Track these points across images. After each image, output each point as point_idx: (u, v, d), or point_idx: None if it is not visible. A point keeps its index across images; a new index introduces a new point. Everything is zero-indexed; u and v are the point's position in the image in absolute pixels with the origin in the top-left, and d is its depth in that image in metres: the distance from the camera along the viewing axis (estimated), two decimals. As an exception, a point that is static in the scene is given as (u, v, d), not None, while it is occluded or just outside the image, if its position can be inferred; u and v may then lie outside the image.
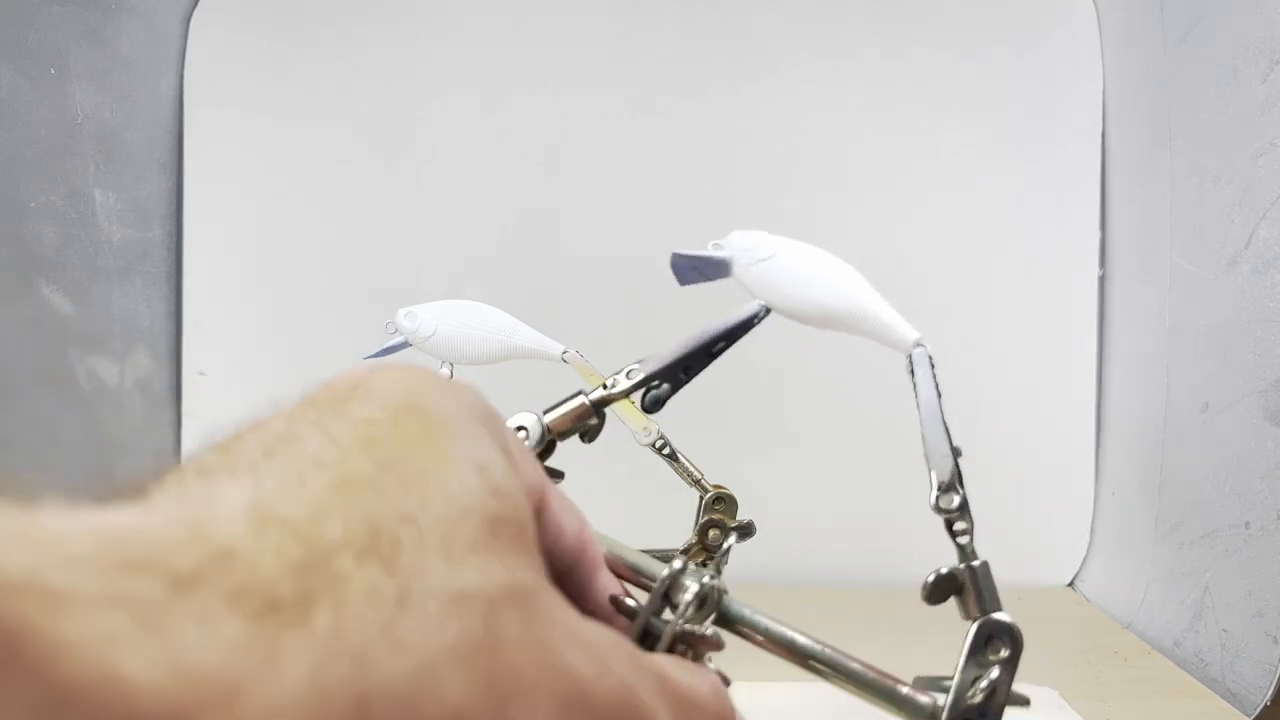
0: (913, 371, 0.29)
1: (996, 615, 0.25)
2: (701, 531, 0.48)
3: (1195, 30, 0.67)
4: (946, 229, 0.80)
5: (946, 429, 0.28)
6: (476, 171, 0.82)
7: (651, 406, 0.33)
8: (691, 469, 0.49)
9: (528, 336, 0.49)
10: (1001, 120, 0.79)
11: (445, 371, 0.54)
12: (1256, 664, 0.58)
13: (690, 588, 0.24)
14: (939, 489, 0.28)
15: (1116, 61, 0.78)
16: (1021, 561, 0.80)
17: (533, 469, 0.22)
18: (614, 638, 0.19)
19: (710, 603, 0.24)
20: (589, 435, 0.33)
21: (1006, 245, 0.80)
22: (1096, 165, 0.79)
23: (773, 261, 0.32)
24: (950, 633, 0.75)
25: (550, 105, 0.82)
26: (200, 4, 0.83)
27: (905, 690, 0.24)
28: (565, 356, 0.49)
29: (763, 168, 0.81)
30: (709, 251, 0.33)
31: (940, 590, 0.26)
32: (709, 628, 0.24)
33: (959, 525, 0.28)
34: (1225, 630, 0.61)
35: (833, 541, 0.80)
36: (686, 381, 0.33)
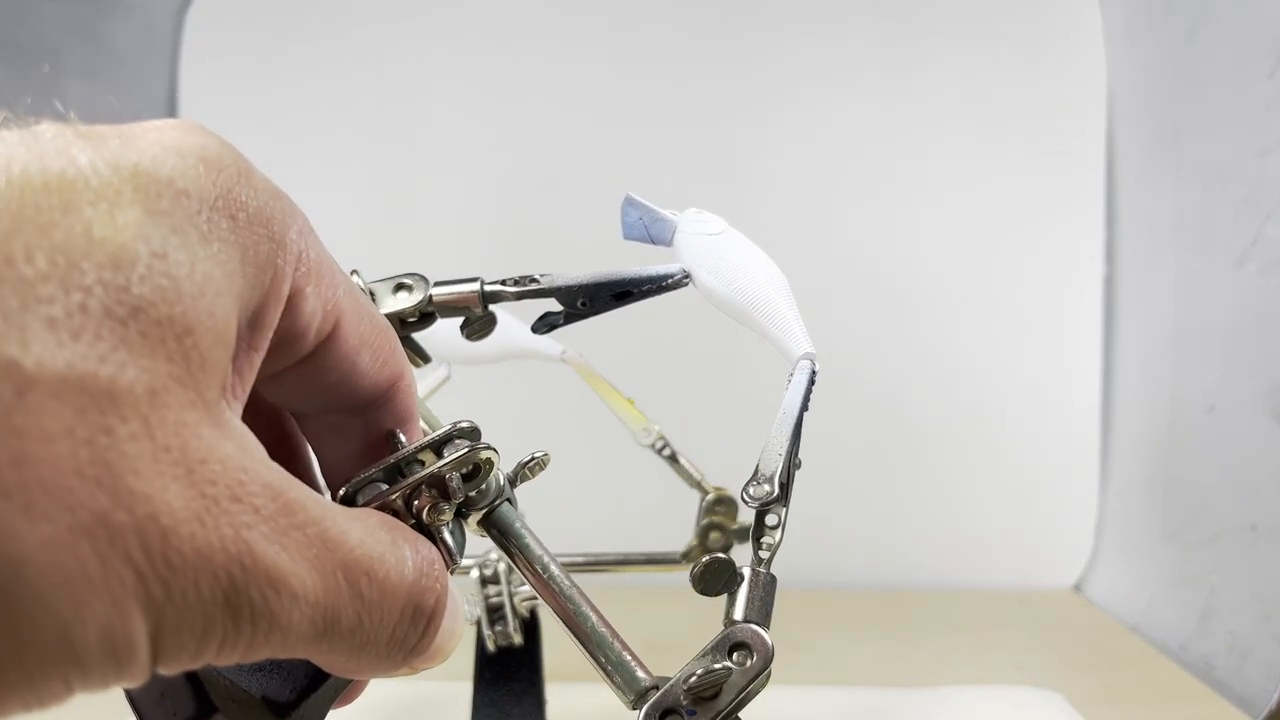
0: (790, 377, 0.28)
1: (760, 629, 0.22)
2: (702, 534, 0.47)
3: (1201, 27, 0.67)
4: (949, 228, 0.79)
5: (795, 438, 0.26)
6: (475, 169, 0.81)
7: (539, 328, 0.31)
8: (692, 471, 0.49)
9: (527, 336, 0.48)
10: (1005, 118, 0.79)
11: (443, 371, 0.54)
12: (1264, 667, 0.58)
13: (461, 445, 0.22)
14: (754, 477, 0.25)
15: (1121, 59, 0.77)
16: (1026, 564, 0.79)
17: (311, 291, 0.19)
18: (267, 482, 0.16)
19: (482, 476, 0.22)
20: (475, 329, 0.30)
21: (1010, 244, 0.79)
22: (1101, 163, 0.78)
23: (717, 239, 0.32)
24: (953, 636, 0.75)
25: (550, 104, 0.81)
26: (195, 0, 0.82)
27: (631, 661, 0.22)
28: (564, 356, 0.48)
29: (764, 165, 0.80)
30: (662, 209, 0.33)
31: (713, 577, 0.23)
32: (471, 500, 0.22)
33: (770, 520, 0.25)
34: (1232, 633, 0.61)
35: (835, 544, 0.80)
36: (583, 316, 0.31)
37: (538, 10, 0.81)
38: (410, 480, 0.21)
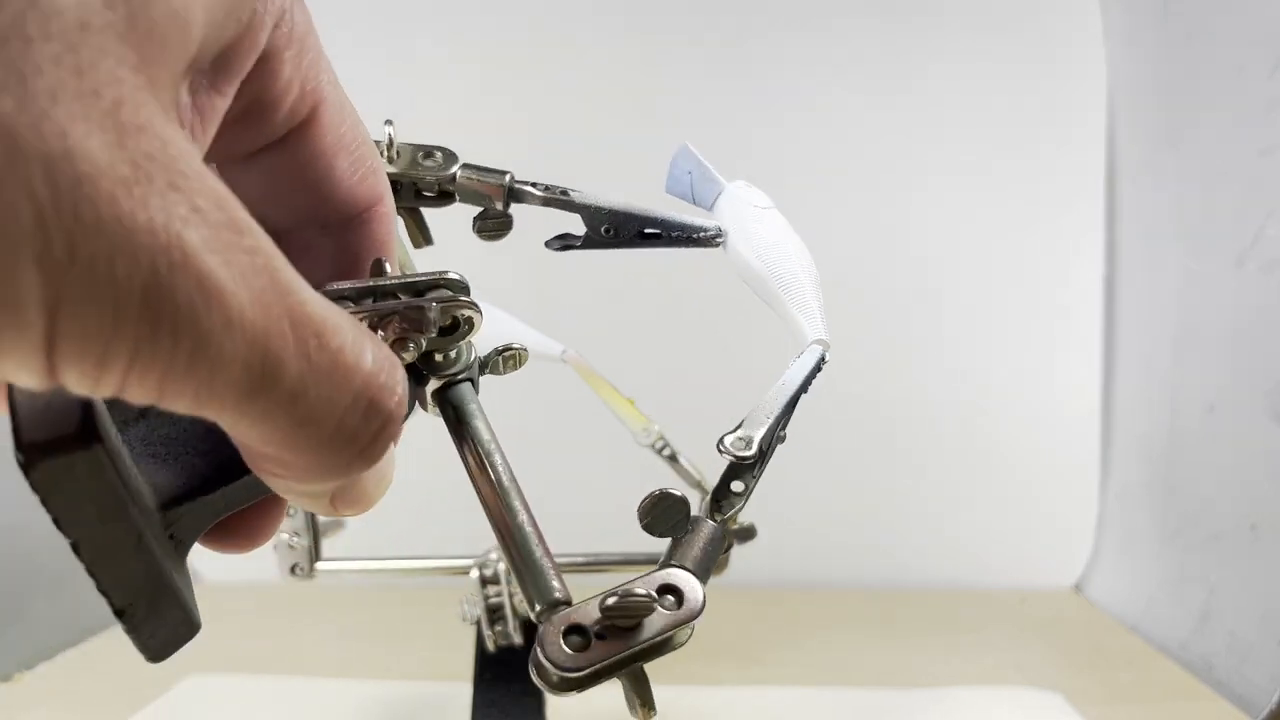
0: (799, 355, 0.27)
1: (697, 580, 0.20)
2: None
3: (1201, 27, 0.67)
4: (950, 229, 0.79)
5: (787, 411, 0.25)
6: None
7: (552, 244, 0.30)
8: (692, 471, 0.49)
9: (526, 336, 0.48)
10: (1005, 118, 0.79)
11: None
12: (1264, 667, 0.58)
13: (443, 293, 0.20)
14: (737, 429, 0.23)
15: (1122, 58, 0.77)
16: (1026, 564, 0.79)
17: (290, 57, 0.18)
18: (216, 190, 0.14)
19: (460, 333, 0.21)
20: (489, 227, 0.29)
21: (1011, 244, 0.79)
22: (1101, 163, 0.78)
23: (763, 212, 0.32)
24: (953, 636, 0.74)
25: (550, 101, 0.81)
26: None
27: (550, 570, 0.20)
28: (565, 356, 0.48)
29: (763, 165, 0.80)
30: (715, 172, 0.32)
31: (662, 515, 0.21)
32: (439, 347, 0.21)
33: (736, 486, 0.23)
34: (1232, 633, 0.61)
35: (835, 544, 0.80)
36: (604, 245, 0.29)
37: (540, 11, 0.81)
38: (389, 304, 0.19)
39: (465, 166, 0.28)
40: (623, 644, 0.19)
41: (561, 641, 0.18)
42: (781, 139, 0.80)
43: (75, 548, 0.16)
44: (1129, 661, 0.65)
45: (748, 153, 0.80)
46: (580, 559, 0.48)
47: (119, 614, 0.17)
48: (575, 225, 0.30)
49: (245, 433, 0.15)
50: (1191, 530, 0.67)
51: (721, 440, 0.23)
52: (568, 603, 0.19)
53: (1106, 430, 0.79)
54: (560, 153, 0.81)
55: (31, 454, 0.15)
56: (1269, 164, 0.59)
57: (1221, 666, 0.61)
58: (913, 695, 0.56)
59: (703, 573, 0.21)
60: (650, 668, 0.20)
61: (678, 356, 0.79)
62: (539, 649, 0.18)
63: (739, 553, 0.48)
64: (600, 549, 0.48)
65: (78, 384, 0.13)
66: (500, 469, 0.21)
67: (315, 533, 0.48)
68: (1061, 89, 0.79)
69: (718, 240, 0.30)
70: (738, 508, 0.23)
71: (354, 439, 0.17)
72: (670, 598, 0.20)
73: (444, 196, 0.28)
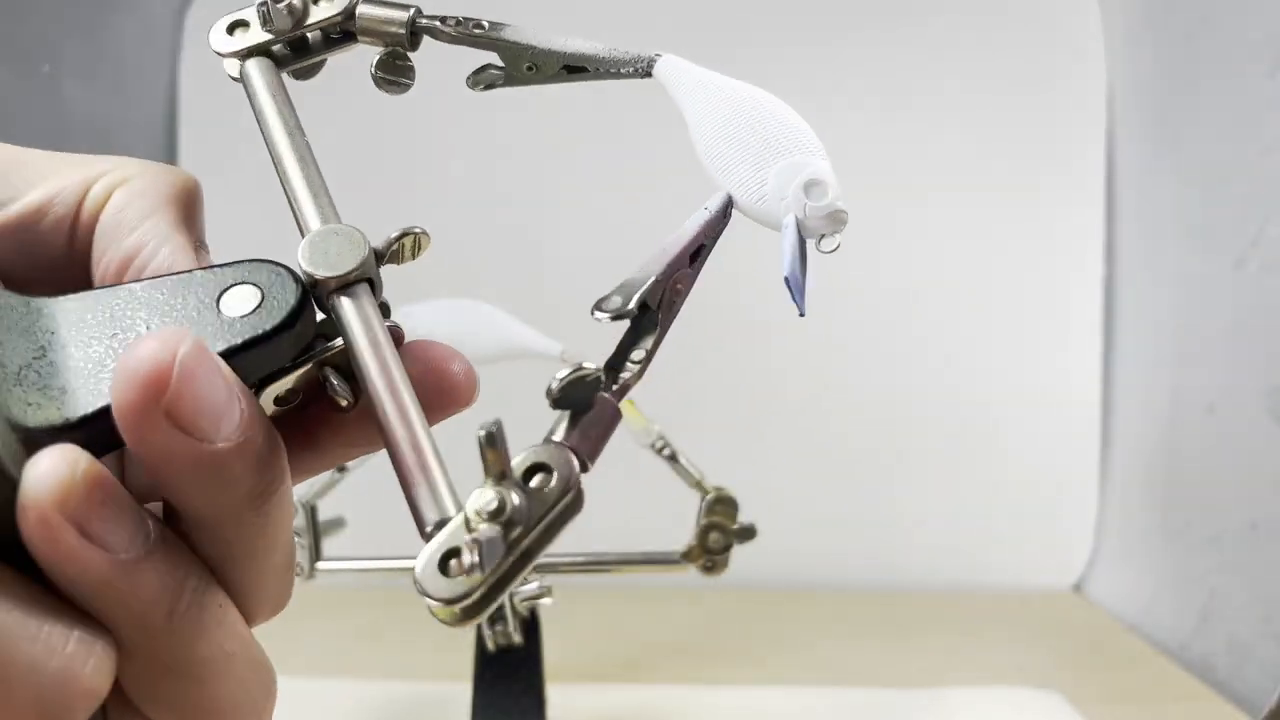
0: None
1: (572, 452, 0.19)
2: (702, 534, 0.47)
3: (1200, 26, 0.67)
4: (948, 228, 0.79)
5: (676, 263, 0.23)
6: (476, 169, 0.81)
7: (475, 82, 0.29)
8: (692, 470, 0.49)
9: (526, 336, 0.48)
10: (1004, 118, 0.79)
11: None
12: (1264, 667, 0.58)
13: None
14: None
15: (1121, 58, 0.77)
16: (1026, 564, 0.79)
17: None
18: None
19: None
20: (386, 74, 0.28)
21: (1010, 244, 0.79)
22: (1101, 163, 0.78)
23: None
24: (953, 637, 0.74)
25: (550, 103, 0.81)
26: (195, 0, 0.82)
27: (441, 480, 0.18)
28: (564, 356, 0.48)
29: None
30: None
31: (576, 391, 0.20)
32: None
33: (635, 355, 0.22)
34: (1232, 633, 0.61)
35: (835, 545, 0.80)
36: (528, 81, 0.28)
37: (539, 14, 0.81)
38: None
39: (366, 1, 0.26)
40: (504, 540, 0.18)
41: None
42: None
43: None
44: (1129, 661, 0.65)
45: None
46: (580, 559, 0.48)
47: None
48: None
49: None
50: (1192, 530, 0.67)
51: (595, 305, 0.22)
52: (444, 522, 0.18)
53: (1106, 430, 0.79)
54: (564, 160, 0.81)
55: None
56: (1269, 163, 0.59)
57: (1222, 666, 0.61)
58: (912, 696, 0.56)
59: (589, 453, 0.19)
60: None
61: (678, 357, 0.78)
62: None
63: (739, 553, 0.48)
64: (600, 548, 0.48)
65: None
66: (396, 383, 0.19)
67: (315, 533, 0.48)
68: (1061, 88, 0.79)
69: (648, 73, 0.28)
70: (630, 381, 0.22)
71: None
72: (539, 476, 0.18)
73: (346, 37, 0.27)
